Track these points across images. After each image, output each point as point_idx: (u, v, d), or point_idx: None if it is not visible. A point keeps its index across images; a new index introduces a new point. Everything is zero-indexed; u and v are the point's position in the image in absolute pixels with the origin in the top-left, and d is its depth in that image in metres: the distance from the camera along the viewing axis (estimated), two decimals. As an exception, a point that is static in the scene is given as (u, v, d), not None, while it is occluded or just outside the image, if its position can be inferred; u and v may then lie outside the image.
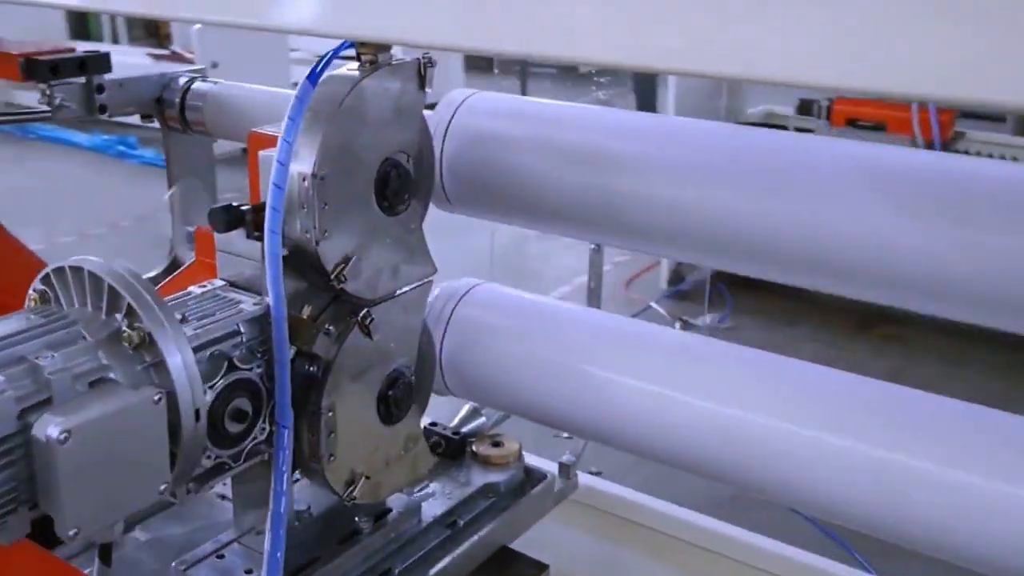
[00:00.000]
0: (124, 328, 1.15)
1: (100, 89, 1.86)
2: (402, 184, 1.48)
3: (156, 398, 1.11)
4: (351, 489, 1.55)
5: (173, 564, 1.52)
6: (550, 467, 2.02)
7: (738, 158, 1.48)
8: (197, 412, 1.18)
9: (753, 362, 1.60)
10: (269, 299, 1.36)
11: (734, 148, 1.51)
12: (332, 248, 1.40)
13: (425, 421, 2.00)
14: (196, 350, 1.30)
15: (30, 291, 1.24)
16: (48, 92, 1.81)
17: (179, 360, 1.16)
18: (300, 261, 1.42)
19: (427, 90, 1.49)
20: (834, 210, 1.38)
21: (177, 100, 1.95)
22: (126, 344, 1.15)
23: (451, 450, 1.95)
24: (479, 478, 1.89)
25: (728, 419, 1.52)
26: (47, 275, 1.24)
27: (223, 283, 1.45)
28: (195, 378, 1.18)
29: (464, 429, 2.00)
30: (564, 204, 1.58)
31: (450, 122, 1.63)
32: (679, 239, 1.52)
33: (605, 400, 1.63)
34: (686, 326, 5.30)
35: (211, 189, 2.11)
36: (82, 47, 1.88)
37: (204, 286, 1.43)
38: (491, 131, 1.61)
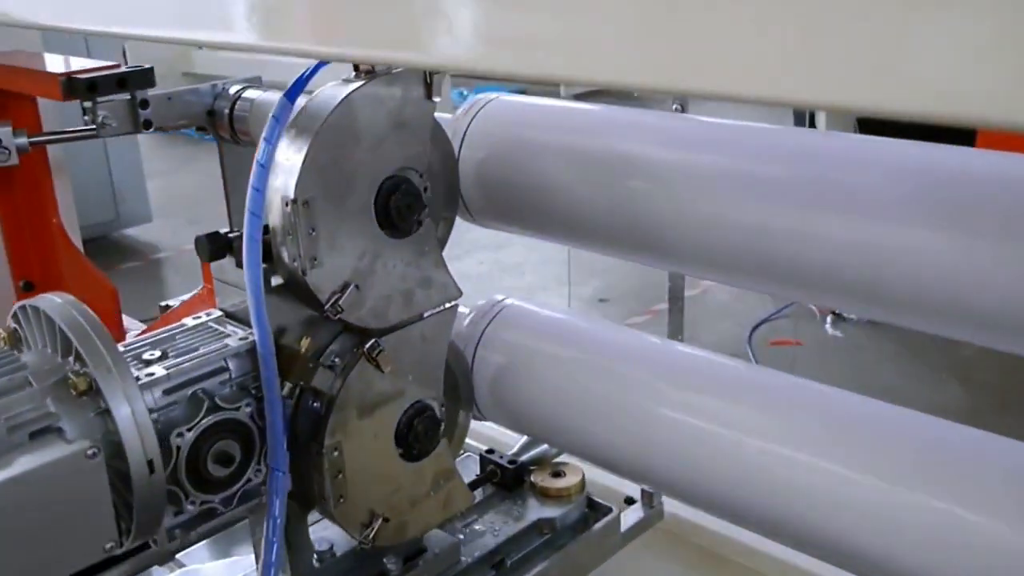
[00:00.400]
0: (70, 374, 1.08)
1: (144, 104, 1.82)
2: (410, 204, 1.35)
3: (90, 452, 1.03)
4: (368, 531, 1.44)
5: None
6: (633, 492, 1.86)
7: (817, 169, 1.25)
8: (151, 463, 1.10)
9: (841, 406, 1.36)
10: (254, 333, 1.26)
11: (805, 157, 1.29)
12: (324, 277, 1.29)
13: (483, 447, 1.87)
14: (172, 390, 1.22)
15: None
16: (91, 110, 1.79)
17: (127, 410, 1.08)
18: (297, 289, 1.32)
19: (436, 99, 1.35)
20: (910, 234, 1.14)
21: (227, 111, 1.90)
22: (72, 391, 1.08)
23: (507, 480, 1.81)
24: (534, 512, 1.75)
25: (803, 472, 1.30)
26: (15, 313, 1.19)
27: (220, 314, 1.36)
28: (146, 427, 1.10)
29: (525, 457, 1.85)
30: (596, 218, 1.40)
31: (467, 129, 1.48)
32: (735, 262, 1.32)
33: (646, 437, 1.45)
34: (837, 320, 4.94)
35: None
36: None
37: (199, 317, 1.35)
38: (514, 138, 1.45)
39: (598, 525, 1.76)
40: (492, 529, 1.70)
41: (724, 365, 1.49)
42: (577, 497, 1.78)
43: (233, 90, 1.95)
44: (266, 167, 1.20)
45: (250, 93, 1.94)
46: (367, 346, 1.37)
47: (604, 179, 1.38)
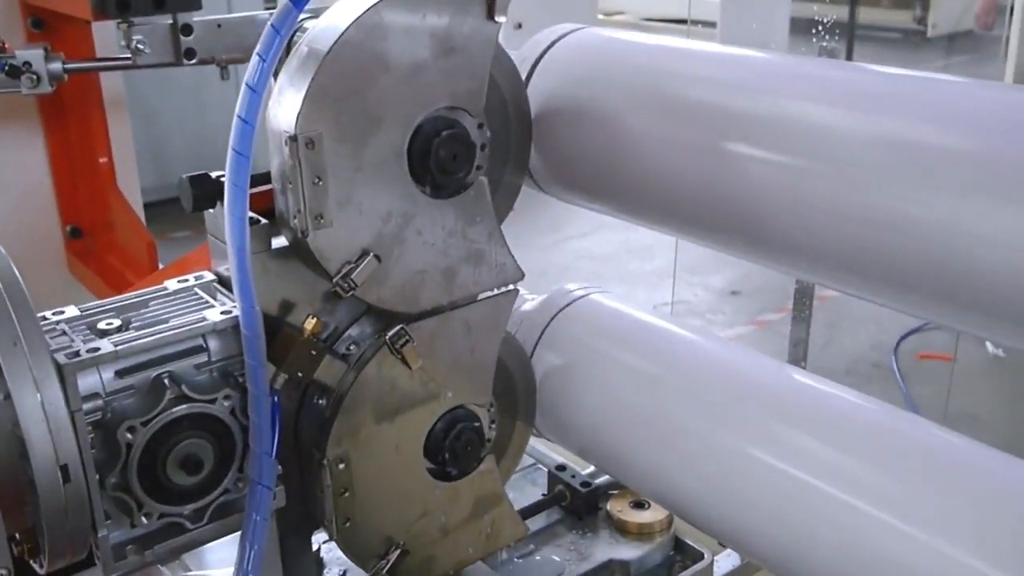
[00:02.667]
0: (-30, 345, 0.82)
1: (187, 30, 1.57)
2: (457, 154, 1.04)
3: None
4: (381, 564, 1.15)
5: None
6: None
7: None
8: (64, 469, 0.83)
9: (996, 474, 0.98)
10: (238, 307, 0.98)
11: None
12: (332, 241, 1.00)
13: (556, 460, 1.55)
14: (128, 372, 0.96)
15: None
16: (126, 33, 1.55)
17: (32, 399, 0.81)
18: (308, 257, 1.03)
19: (500, 19, 1.03)
20: None
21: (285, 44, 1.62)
22: (-29, 367, 0.82)
23: (578, 506, 1.49)
24: (606, 549, 1.42)
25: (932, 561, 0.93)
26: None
27: (212, 278, 1.09)
28: (60, 423, 0.83)
29: (602, 479, 1.52)
30: (689, 194, 1.06)
31: (536, 66, 1.14)
32: (874, 268, 0.95)
33: (732, 486, 1.09)
34: (1004, 340, 4.37)
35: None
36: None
37: (186, 280, 1.08)
38: (597, 80, 1.10)
39: (685, 574, 1.42)
40: (551, 566, 1.39)
41: (848, 403, 1.11)
42: (662, 536, 1.44)
43: (295, 21, 1.67)
44: (259, 92, 0.91)
45: (311, 25, 1.66)
46: (391, 333, 1.07)
47: (707, 143, 1.03)
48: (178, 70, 1.81)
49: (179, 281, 1.07)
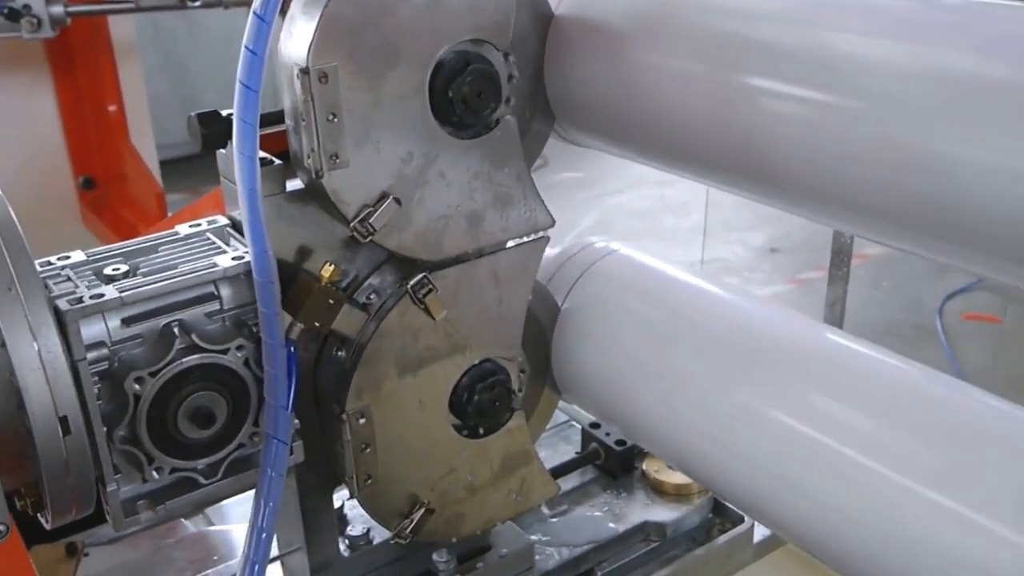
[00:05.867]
0: (-37, 288, 0.77)
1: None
2: (483, 90, 0.97)
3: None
4: (405, 523, 1.10)
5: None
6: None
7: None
8: (63, 421, 0.78)
9: None
10: (249, 252, 0.92)
11: None
12: (349, 182, 0.94)
13: (589, 418, 1.49)
14: (135, 320, 0.91)
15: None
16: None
17: (29, 348, 0.76)
18: (324, 200, 0.97)
19: (530, -57, 0.96)
20: None
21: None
22: (-38, 312, 0.77)
23: (612, 465, 1.43)
24: (641, 511, 1.37)
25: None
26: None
27: (226, 222, 1.04)
28: (58, 372, 0.78)
29: (638, 437, 1.46)
30: (704, 133, 0.97)
31: (558, 8, 1.06)
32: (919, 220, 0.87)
33: (768, 452, 1.02)
34: (1055, 300, 4.23)
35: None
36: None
37: (198, 224, 1.02)
38: (616, 20, 1.02)
39: (724, 537, 1.36)
40: (583, 527, 1.34)
41: (887, 366, 1.02)
42: (700, 497, 1.38)
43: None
44: (267, 20, 0.85)
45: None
46: (413, 282, 1.01)
47: (727, 76, 0.94)
48: (209, 19, 1.74)
49: (191, 226, 1.02)
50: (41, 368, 0.77)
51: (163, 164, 2.64)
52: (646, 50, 1.01)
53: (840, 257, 2.69)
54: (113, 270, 0.93)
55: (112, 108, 2.03)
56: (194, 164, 3.36)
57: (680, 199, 5.06)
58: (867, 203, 0.88)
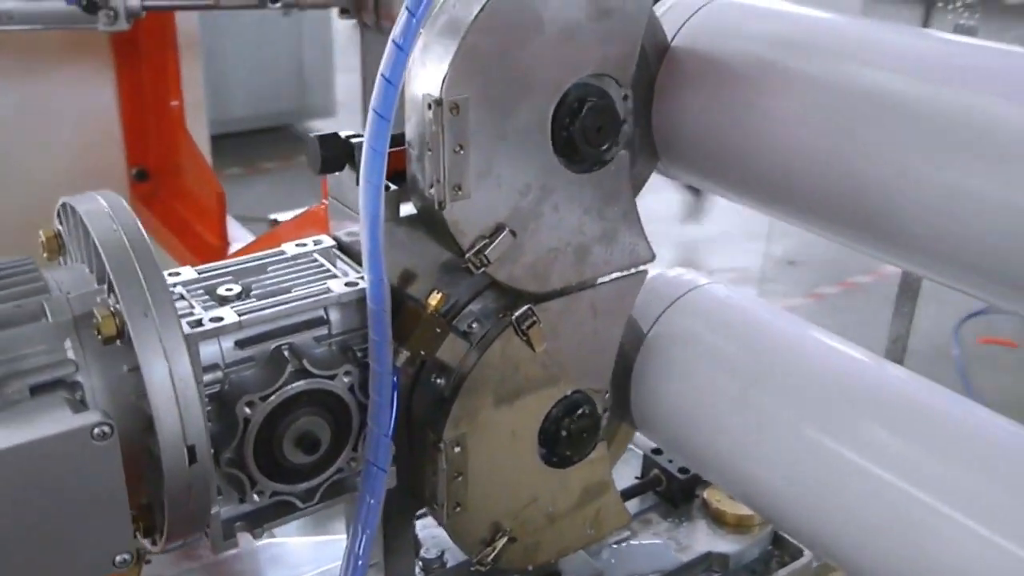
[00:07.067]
0: (96, 311, 0.76)
1: (275, -26, 1.49)
2: (603, 125, 0.97)
3: (98, 430, 0.71)
4: (488, 551, 1.10)
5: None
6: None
7: None
8: (191, 450, 0.77)
9: None
10: (366, 279, 0.91)
11: None
12: (469, 213, 0.93)
13: (650, 444, 1.48)
14: (248, 343, 0.90)
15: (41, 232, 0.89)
16: (211, -25, 1.47)
17: (162, 372, 0.75)
18: (431, 225, 0.96)
19: (660, -19, 0.95)
20: None
21: (374, -13, 1.54)
22: (96, 333, 0.76)
23: (674, 493, 1.43)
24: (704, 540, 1.36)
25: None
26: (59, 210, 0.88)
27: (332, 243, 1.02)
28: (189, 400, 0.77)
29: (699, 465, 1.46)
30: (822, 181, 0.96)
31: (678, 33, 1.05)
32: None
33: (834, 492, 1.01)
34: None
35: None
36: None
37: (304, 244, 1.01)
38: (736, 58, 1.01)
39: (783, 571, 1.36)
40: (648, 555, 1.33)
41: (958, 408, 1.02)
42: (760, 529, 1.38)
43: (380, -33, 1.58)
44: (405, 50, 0.84)
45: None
46: (517, 314, 1.00)
47: (856, 132, 0.93)
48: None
49: (297, 245, 1.01)
50: (174, 396, 0.76)
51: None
52: (765, 93, 1.00)
53: (906, 294, 2.67)
54: (227, 290, 0.91)
55: (174, 103, 2.01)
56: (218, 144, 3.35)
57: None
58: (990, 266, 0.88)
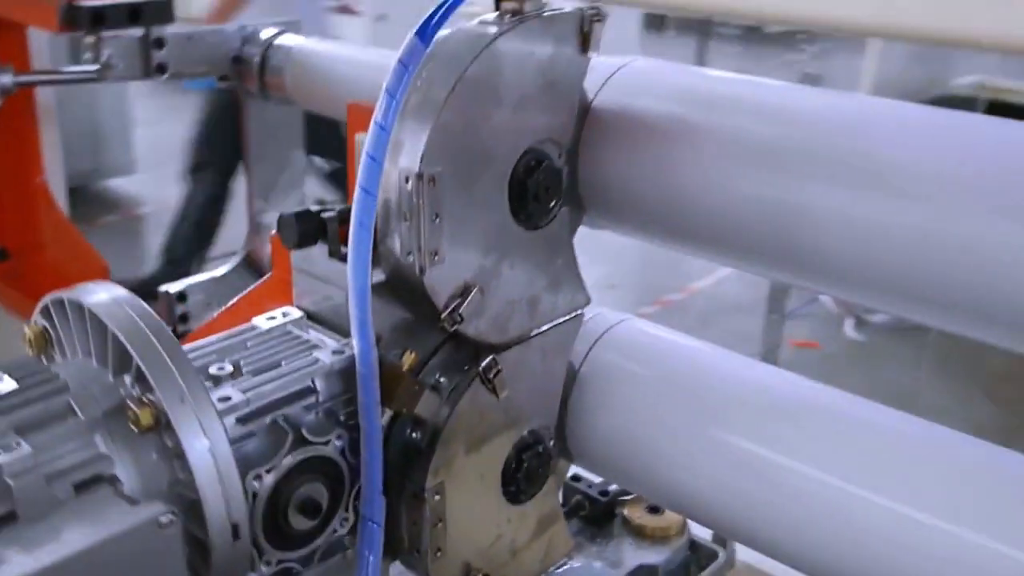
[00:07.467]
0: (130, 402, 0.78)
1: (159, 44, 1.49)
2: (550, 186, 1.06)
3: (165, 518, 0.73)
4: (463, 591, 1.16)
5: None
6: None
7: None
8: (235, 528, 0.80)
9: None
10: (354, 346, 0.96)
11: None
12: (444, 277, 1.00)
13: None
14: (248, 418, 0.93)
15: (24, 329, 0.89)
16: (95, 46, 1.46)
17: (204, 452, 0.78)
18: (403, 289, 1.02)
19: (591, 55, 1.06)
20: None
21: (257, 59, 1.57)
22: (133, 425, 0.78)
23: (597, 515, 1.53)
24: (631, 555, 1.47)
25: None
26: (46, 307, 0.88)
27: (300, 315, 1.06)
28: (230, 479, 0.80)
29: (615, 485, 1.57)
30: (741, 224, 1.10)
31: (598, 93, 1.17)
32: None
33: (769, 492, 1.15)
34: (860, 324, 4.70)
35: (296, 172, 1.71)
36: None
37: (273, 317, 1.05)
38: (653, 115, 1.13)
39: (705, 573, 1.49)
40: (596, 573, 1.43)
41: (866, 409, 1.19)
42: (678, 538, 1.50)
43: (265, 35, 1.61)
44: (387, 129, 0.90)
45: (286, 39, 1.61)
46: (483, 365, 1.08)
47: (762, 176, 1.07)
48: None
49: (268, 319, 1.04)
50: (216, 475, 0.78)
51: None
52: (678, 145, 1.12)
53: (775, 305, 2.89)
54: (218, 370, 0.94)
55: (38, 179, 1.93)
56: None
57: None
58: (903, 287, 1.03)
